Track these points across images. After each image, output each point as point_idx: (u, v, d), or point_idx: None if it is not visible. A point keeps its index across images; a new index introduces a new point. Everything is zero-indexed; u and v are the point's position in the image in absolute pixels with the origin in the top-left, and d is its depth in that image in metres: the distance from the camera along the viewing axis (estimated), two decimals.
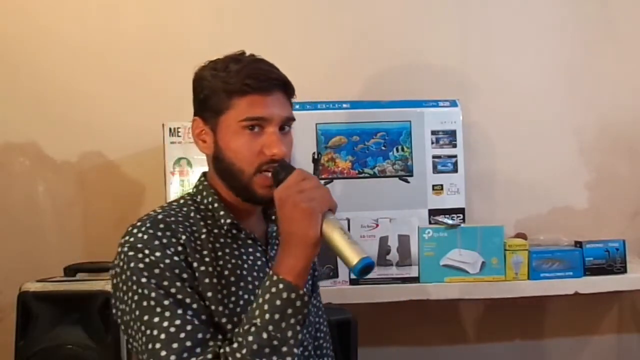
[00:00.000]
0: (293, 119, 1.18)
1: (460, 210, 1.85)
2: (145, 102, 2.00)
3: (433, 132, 1.86)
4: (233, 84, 1.12)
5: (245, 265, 1.14)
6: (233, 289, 1.11)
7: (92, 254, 1.96)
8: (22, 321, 1.68)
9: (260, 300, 1.02)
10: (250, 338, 1.00)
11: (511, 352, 2.17)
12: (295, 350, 1.01)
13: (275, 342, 1.00)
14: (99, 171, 2.01)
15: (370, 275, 1.70)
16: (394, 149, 1.84)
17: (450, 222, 1.76)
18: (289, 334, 1.01)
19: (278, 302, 1.00)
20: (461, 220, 1.82)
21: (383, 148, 1.83)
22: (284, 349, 1.00)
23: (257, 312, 1.01)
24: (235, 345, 1.00)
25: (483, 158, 2.10)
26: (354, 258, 1.00)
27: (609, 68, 2.17)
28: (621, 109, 2.17)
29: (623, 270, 1.83)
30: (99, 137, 2.00)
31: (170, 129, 1.77)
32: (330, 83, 2.02)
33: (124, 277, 1.08)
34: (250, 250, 1.17)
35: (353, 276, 1.72)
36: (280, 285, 1.01)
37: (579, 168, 2.16)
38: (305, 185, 1.04)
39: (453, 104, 1.89)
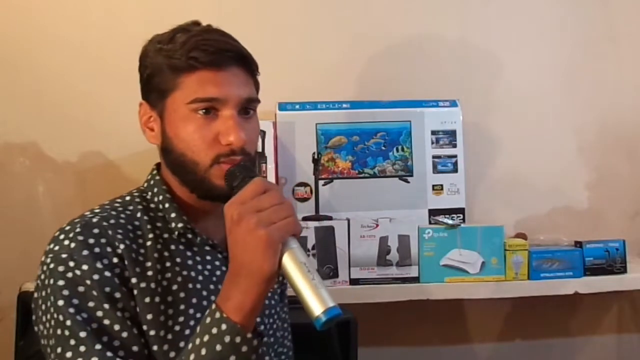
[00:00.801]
0: (256, 100, 1.00)
1: (460, 210, 1.85)
2: None
3: (433, 132, 1.86)
4: (178, 59, 0.94)
5: (200, 277, 0.97)
6: (182, 307, 0.93)
7: None
8: (22, 321, 1.68)
9: (198, 340, 0.83)
10: None
11: (511, 352, 2.17)
12: None
13: None
14: (99, 171, 2.01)
15: (370, 276, 1.73)
16: (394, 149, 1.84)
17: (450, 222, 1.76)
18: None
19: (219, 347, 0.81)
20: (461, 220, 1.82)
21: (383, 148, 1.83)
22: None
23: (192, 356, 0.82)
24: None
25: (483, 158, 2.10)
26: (317, 308, 0.80)
27: (609, 68, 2.17)
28: (621, 109, 2.17)
29: (623, 270, 1.83)
30: (99, 137, 2.00)
31: None
32: (330, 83, 2.02)
33: (43, 293, 0.89)
34: (208, 258, 1.00)
35: (353, 276, 1.72)
36: (223, 327, 0.82)
37: (579, 168, 2.16)
38: (264, 202, 0.82)
39: (453, 104, 1.89)
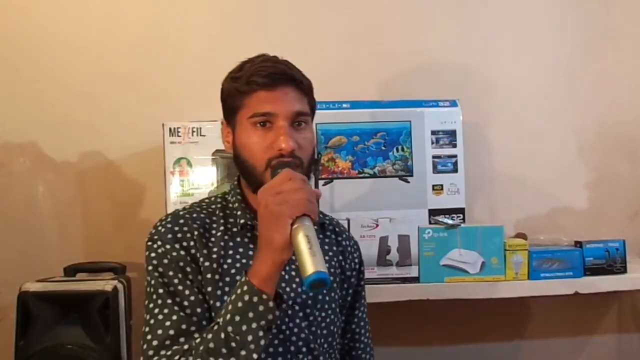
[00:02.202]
0: (307, 114, 1.17)
1: (460, 210, 1.85)
2: (145, 102, 2.00)
3: (433, 132, 1.86)
4: (241, 84, 1.14)
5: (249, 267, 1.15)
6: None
7: (92, 254, 1.96)
8: (22, 321, 1.68)
9: (228, 300, 1.02)
10: (209, 336, 1.00)
11: (511, 352, 2.17)
12: (255, 355, 0.99)
13: (233, 344, 0.99)
14: (99, 171, 2.01)
15: (370, 276, 1.72)
16: (394, 149, 1.84)
17: (450, 222, 1.76)
18: (249, 338, 0.99)
19: (240, 304, 1.00)
20: (461, 220, 1.82)
21: (383, 148, 1.83)
22: (242, 352, 0.99)
23: (223, 311, 1.02)
24: (198, 340, 1.02)
25: (483, 158, 2.10)
26: (308, 269, 0.94)
27: (609, 68, 2.17)
28: (621, 109, 2.18)
29: (623, 270, 1.83)
30: (99, 137, 2.00)
31: (170, 129, 1.77)
32: (330, 83, 2.01)
33: (145, 264, 1.15)
34: None
35: None
36: (245, 287, 1.00)
37: (579, 168, 2.17)
38: (285, 187, 1.01)
39: (453, 104, 1.89)
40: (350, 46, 2.08)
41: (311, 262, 0.94)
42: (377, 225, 1.76)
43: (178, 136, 1.77)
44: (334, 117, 1.82)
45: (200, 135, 1.78)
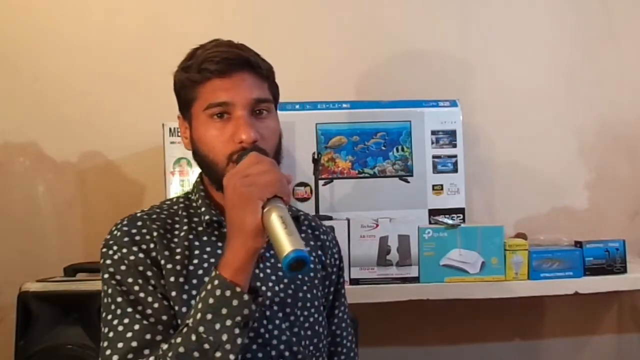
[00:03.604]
0: (268, 100, 1.08)
1: (460, 210, 1.85)
2: (145, 102, 2.00)
3: (433, 132, 1.86)
4: (193, 72, 1.06)
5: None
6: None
7: (92, 254, 1.96)
8: (22, 321, 1.68)
9: (198, 298, 0.93)
10: (178, 339, 0.91)
11: (511, 352, 2.17)
12: (232, 356, 0.90)
13: (207, 346, 0.90)
14: (99, 171, 2.01)
15: (370, 276, 1.72)
16: (394, 149, 1.84)
17: (450, 222, 1.76)
18: (224, 337, 0.90)
19: (211, 301, 0.91)
20: (461, 220, 1.82)
21: (383, 148, 1.83)
22: (217, 354, 0.90)
23: (192, 311, 0.93)
24: (165, 346, 0.93)
25: (483, 158, 2.10)
26: (285, 249, 0.86)
27: (609, 68, 2.17)
28: (621, 109, 2.17)
29: (623, 270, 1.83)
30: (99, 137, 2.00)
31: (170, 129, 1.77)
32: (330, 83, 2.02)
33: (101, 273, 1.06)
34: None
35: (353, 276, 1.72)
36: (215, 282, 0.91)
37: (579, 168, 2.16)
38: (253, 169, 0.93)
39: (453, 104, 1.89)
40: (350, 46, 2.08)
41: (288, 241, 0.86)
42: (377, 225, 1.75)
43: (178, 136, 1.77)
44: (334, 117, 1.82)
45: None
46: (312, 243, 1.20)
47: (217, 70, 1.04)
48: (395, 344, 2.11)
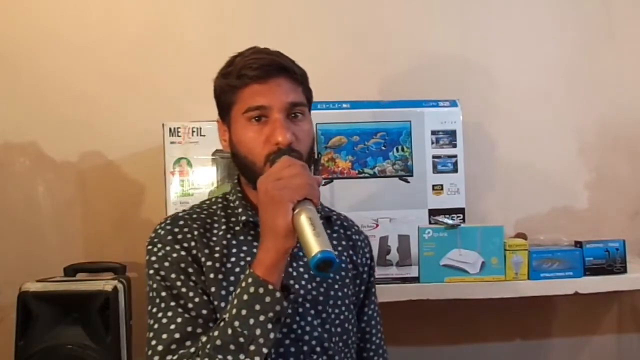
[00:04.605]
0: (303, 104, 1.14)
1: (460, 210, 1.85)
2: (145, 102, 2.00)
3: (433, 132, 1.86)
4: (233, 79, 1.12)
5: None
6: None
7: (92, 254, 1.96)
8: (22, 321, 1.68)
9: (233, 295, 1.00)
10: (216, 333, 0.98)
11: (511, 352, 2.17)
12: (264, 350, 0.96)
13: (241, 339, 0.96)
14: (99, 171, 2.01)
15: None
16: (394, 149, 1.84)
17: (450, 222, 1.76)
18: (257, 331, 0.96)
19: (245, 297, 0.97)
20: (461, 220, 1.82)
21: (383, 148, 1.83)
22: (252, 347, 0.96)
23: (229, 306, 0.99)
24: (204, 339, 0.99)
25: (483, 158, 2.10)
26: (313, 250, 0.91)
27: (609, 68, 2.17)
28: (621, 109, 2.18)
29: (623, 270, 1.83)
30: (99, 137, 2.00)
31: (170, 129, 1.77)
32: (330, 83, 2.01)
33: (146, 269, 1.13)
34: None
35: None
36: (249, 279, 0.98)
37: (579, 168, 2.17)
38: (285, 172, 0.99)
39: (453, 104, 1.89)
40: (350, 46, 2.08)
41: (315, 242, 0.91)
42: (377, 225, 1.75)
43: (178, 136, 1.77)
44: (334, 117, 1.82)
45: (200, 135, 1.77)
46: (343, 243, 1.25)
47: (255, 75, 1.10)
48: (395, 344, 2.10)
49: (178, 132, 1.77)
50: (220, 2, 2.07)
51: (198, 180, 1.77)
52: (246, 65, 1.11)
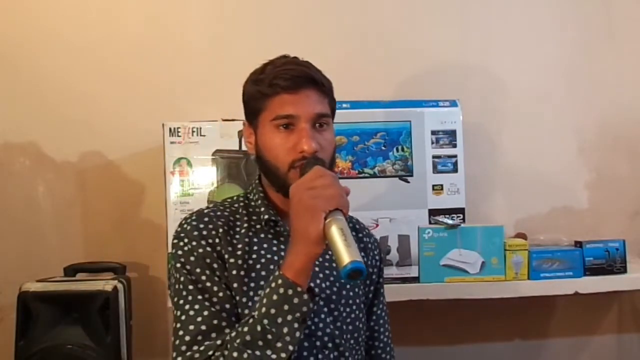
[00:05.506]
0: (328, 115, 1.21)
1: (460, 210, 1.85)
2: (145, 102, 2.00)
3: (433, 132, 1.86)
4: (264, 86, 1.17)
5: (281, 261, 1.15)
6: (262, 282, 1.13)
7: (92, 254, 1.96)
8: (22, 321, 1.69)
9: (262, 294, 1.05)
10: (245, 329, 1.03)
11: (511, 352, 2.17)
12: (290, 347, 1.02)
13: (269, 336, 1.01)
14: (99, 171, 2.01)
15: None
16: (394, 149, 1.84)
17: (450, 222, 1.76)
18: (285, 330, 1.01)
19: (275, 297, 1.02)
20: (461, 220, 1.82)
21: (383, 148, 1.83)
22: (278, 344, 1.01)
23: (258, 304, 1.04)
24: (233, 333, 1.04)
25: (483, 158, 2.10)
26: (344, 259, 0.97)
27: (609, 68, 2.17)
28: (621, 109, 2.18)
29: (623, 270, 1.83)
30: (99, 137, 2.00)
31: (170, 129, 1.77)
32: None
33: (171, 261, 1.18)
34: None
35: None
36: (279, 281, 1.03)
37: (579, 168, 2.17)
38: (317, 182, 1.04)
39: (453, 104, 1.89)
40: (350, 46, 2.08)
41: (347, 253, 0.96)
42: (377, 225, 1.76)
43: (178, 136, 1.77)
44: (334, 117, 1.82)
45: (200, 135, 1.78)
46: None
47: (286, 86, 1.15)
48: (395, 344, 2.10)
49: (178, 132, 1.77)
50: (220, 2, 2.07)
51: (198, 180, 1.77)
52: (278, 75, 1.16)
